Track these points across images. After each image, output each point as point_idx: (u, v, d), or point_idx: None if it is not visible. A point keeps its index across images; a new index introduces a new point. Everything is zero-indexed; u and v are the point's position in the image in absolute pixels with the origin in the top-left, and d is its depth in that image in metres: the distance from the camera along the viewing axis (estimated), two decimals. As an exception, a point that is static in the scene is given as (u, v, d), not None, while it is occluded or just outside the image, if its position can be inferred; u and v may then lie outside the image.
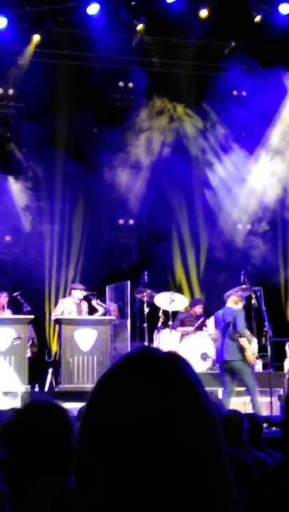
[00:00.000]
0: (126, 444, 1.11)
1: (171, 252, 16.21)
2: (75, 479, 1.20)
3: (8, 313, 12.95)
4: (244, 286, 13.62)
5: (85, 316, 13.03)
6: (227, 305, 11.72)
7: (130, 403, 1.13)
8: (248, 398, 12.34)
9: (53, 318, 13.27)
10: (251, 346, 11.42)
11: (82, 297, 13.11)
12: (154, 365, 1.17)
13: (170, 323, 13.45)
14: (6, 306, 13.06)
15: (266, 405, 12.08)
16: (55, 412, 2.33)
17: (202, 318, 13.94)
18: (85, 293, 13.14)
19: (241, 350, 11.24)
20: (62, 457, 2.24)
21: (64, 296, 14.13)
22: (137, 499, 1.10)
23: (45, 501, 2.18)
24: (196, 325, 13.92)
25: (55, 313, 13.11)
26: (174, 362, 1.19)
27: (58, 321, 12.87)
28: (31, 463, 2.24)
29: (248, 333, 11.47)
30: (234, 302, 11.60)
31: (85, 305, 13.16)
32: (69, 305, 13.06)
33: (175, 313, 13.88)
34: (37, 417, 2.31)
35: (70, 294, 13.37)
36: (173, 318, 13.54)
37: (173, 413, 1.12)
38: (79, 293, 13.09)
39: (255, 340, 12.12)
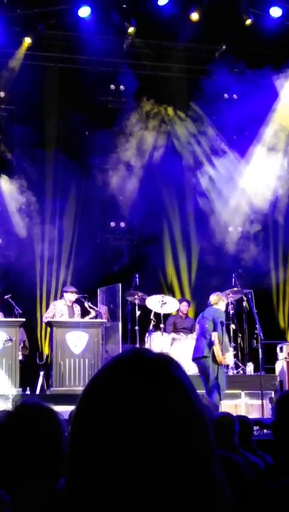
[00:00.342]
0: (116, 446, 1.11)
1: (163, 254, 16.22)
2: (65, 481, 1.19)
3: None
4: (235, 289, 13.66)
5: (77, 318, 13.03)
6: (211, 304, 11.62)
7: (120, 406, 1.12)
8: (239, 400, 12.39)
9: (44, 320, 13.29)
10: (227, 355, 11.22)
11: (74, 300, 13.12)
12: (145, 367, 1.17)
13: (161, 325, 13.46)
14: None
15: (257, 408, 12.11)
16: (46, 414, 2.32)
17: (192, 320, 14.00)
18: (76, 296, 13.15)
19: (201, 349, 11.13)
20: (53, 459, 2.23)
21: (55, 299, 14.12)
22: (126, 501, 1.10)
23: (36, 503, 2.17)
24: (187, 326, 13.97)
25: (47, 316, 13.11)
26: (166, 364, 1.19)
27: (49, 324, 12.87)
28: (22, 465, 2.23)
29: (225, 339, 11.25)
30: (214, 301, 11.44)
31: (77, 308, 13.15)
32: (60, 307, 13.05)
33: (166, 316, 13.90)
34: (27, 419, 2.30)
35: (61, 296, 13.37)
36: (164, 321, 13.55)
37: (163, 416, 1.12)
38: (70, 295, 13.10)
39: (231, 350, 11.94)
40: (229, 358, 11.45)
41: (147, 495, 1.10)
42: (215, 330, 11.08)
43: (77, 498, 1.14)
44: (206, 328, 11.17)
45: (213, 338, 11.02)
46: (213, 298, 11.54)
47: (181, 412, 1.14)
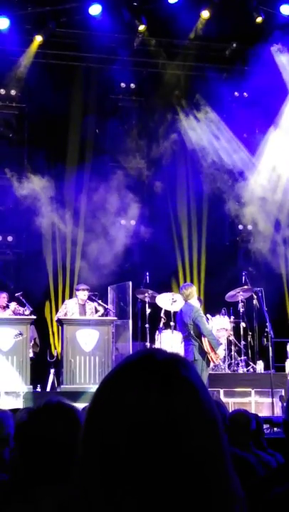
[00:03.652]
0: (127, 448, 1.12)
1: (173, 252, 16.21)
2: (77, 483, 1.20)
3: (12, 305, 12.94)
4: (245, 287, 13.66)
5: (89, 317, 13.01)
6: (185, 300, 11.15)
7: (132, 407, 1.13)
8: (249, 399, 12.37)
9: (56, 319, 13.34)
10: (219, 351, 11.02)
11: (85, 298, 13.10)
12: (156, 368, 1.17)
13: (172, 323, 13.46)
14: (5, 307, 13.09)
15: (268, 406, 12.10)
16: (66, 412, 2.33)
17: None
18: (88, 293, 13.14)
19: (200, 350, 10.83)
20: (72, 459, 2.24)
21: (69, 297, 14.12)
22: (137, 502, 1.10)
23: (53, 501, 2.17)
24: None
25: (58, 315, 13.14)
26: (177, 365, 1.19)
27: (60, 322, 12.89)
28: (40, 464, 2.23)
29: (211, 336, 10.93)
30: (187, 296, 10.94)
31: (90, 306, 13.13)
32: (72, 306, 13.05)
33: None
34: (48, 417, 2.31)
35: (75, 295, 13.36)
36: (174, 319, 13.55)
37: (175, 416, 1.13)
38: (82, 294, 13.09)
39: (222, 345, 11.67)
40: (221, 352, 11.27)
41: (159, 496, 1.10)
42: (202, 333, 10.78)
43: (89, 502, 1.15)
44: (190, 332, 10.86)
45: (205, 346, 10.80)
46: (185, 292, 11.01)
47: (192, 412, 1.15)
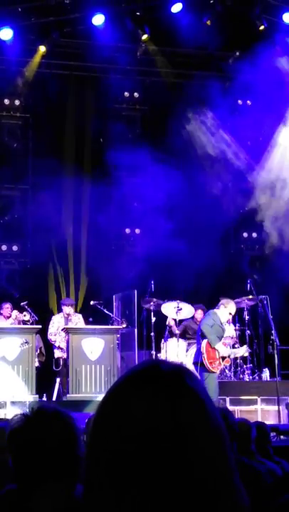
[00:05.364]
0: (132, 458, 1.12)
1: (177, 260, 16.20)
2: (83, 488, 1.21)
3: (14, 313, 13.03)
4: (250, 296, 13.65)
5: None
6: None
7: (137, 418, 1.14)
8: (255, 406, 12.35)
9: (49, 337, 13.31)
10: (222, 350, 11.15)
11: (70, 312, 13.21)
12: (161, 379, 1.18)
13: (177, 332, 13.47)
14: (9, 316, 13.15)
15: (274, 414, 12.07)
16: (62, 418, 2.33)
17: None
18: (72, 309, 13.26)
19: (199, 353, 11.03)
20: (68, 463, 2.24)
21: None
22: (142, 510, 1.11)
23: (51, 506, 2.19)
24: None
25: (51, 332, 13.22)
26: (182, 376, 1.19)
27: (65, 331, 12.92)
28: (37, 468, 2.24)
29: (209, 331, 11.07)
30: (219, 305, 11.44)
31: (77, 317, 13.21)
32: (58, 320, 13.24)
33: (182, 322, 13.91)
34: (44, 423, 2.31)
35: (61, 310, 13.50)
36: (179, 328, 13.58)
37: (180, 427, 1.13)
38: (67, 308, 13.25)
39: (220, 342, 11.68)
40: (222, 349, 11.27)
41: (164, 505, 1.11)
42: (204, 337, 11.08)
43: (96, 506, 1.15)
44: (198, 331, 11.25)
45: (202, 348, 11.06)
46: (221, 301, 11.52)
47: (198, 422, 1.15)
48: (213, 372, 11.04)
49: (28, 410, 2.36)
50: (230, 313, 11.40)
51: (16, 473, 2.29)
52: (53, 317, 13.48)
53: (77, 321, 13.23)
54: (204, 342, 11.10)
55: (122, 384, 1.21)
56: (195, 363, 11.17)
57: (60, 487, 2.22)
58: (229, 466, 1.17)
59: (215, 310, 11.38)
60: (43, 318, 13.53)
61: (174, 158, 15.75)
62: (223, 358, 11.18)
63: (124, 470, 1.12)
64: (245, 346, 11.96)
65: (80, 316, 13.34)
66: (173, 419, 1.13)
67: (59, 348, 13.15)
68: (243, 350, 11.58)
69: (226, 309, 11.29)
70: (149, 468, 1.11)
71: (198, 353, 11.16)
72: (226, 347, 11.34)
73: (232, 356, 11.69)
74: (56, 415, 2.34)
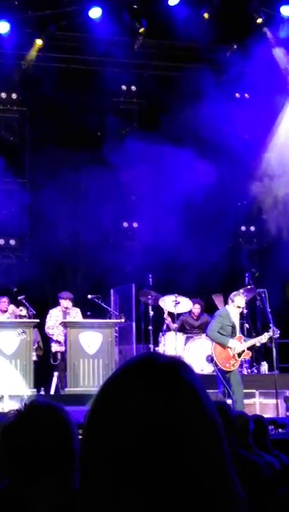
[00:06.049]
0: (128, 451, 1.12)
1: (176, 254, 16.19)
2: (79, 483, 1.21)
3: (10, 308, 13.03)
4: (248, 286, 13.63)
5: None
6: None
7: (133, 411, 1.14)
8: (253, 400, 12.36)
9: (46, 331, 13.27)
10: (237, 347, 11.22)
11: (69, 306, 13.17)
12: (157, 372, 1.18)
13: (175, 325, 13.47)
14: (5, 311, 13.14)
15: (272, 407, 12.08)
16: (56, 413, 2.33)
17: (207, 319, 13.97)
18: (70, 302, 13.20)
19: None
20: (63, 458, 2.24)
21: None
22: (138, 503, 1.11)
23: (47, 501, 2.19)
24: (198, 325, 13.97)
25: (48, 326, 13.18)
26: (177, 368, 1.19)
27: (63, 324, 12.90)
28: (32, 463, 2.23)
29: (216, 336, 11.29)
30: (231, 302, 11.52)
31: (75, 311, 13.19)
32: (56, 314, 13.18)
33: (179, 317, 13.91)
34: (38, 418, 2.31)
35: (59, 303, 13.43)
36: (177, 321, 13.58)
37: (177, 420, 1.13)
38: (65, 302, 13.20)
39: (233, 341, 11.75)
40: (237, 346, 11.31)
41: (160, 498, 1.10)
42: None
43: (93, 500, 1.15)
44: None
45: (211, 352, 11.33)
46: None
47: (194, 414, 1.15)
48: (231, 370, 11.14)
49: (21, 406, 2.35)
50: (238, 307, 11.44)
51: (11, 470, 2.28)
52: (51, 311, 13.43)
53: (75, 314, 13.21)
54: (213, 345, 11.30)
55: (117, 377, 1.21)
56: (215, 365, 11.32)
57: (56, 482, 2.22)
58: (224, 459, 1.17)
59: (225, 307, 11.48)
60: (41, 312, 13.52)
61: (171, 151, 15.69)
62: (240, 354, 11.25)
63: (120, 463, 1.12)
64: (266, 333, 11.95)
65: (78, 309, 13.31)
66: (168, 412, 1.13)
67: (57, 341, 13.13)
68: (267, 336, 11.67)
69: (234, 303, 11.39)
70: (145, 462, 1.11)
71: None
72: (241, 341, 11.34)
73: (258, 344, 11.71)
74: (49, 410, 2.33)
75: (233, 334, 11.34)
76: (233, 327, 11.34)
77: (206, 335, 11.35)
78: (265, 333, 11.80)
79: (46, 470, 2.23)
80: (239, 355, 11.26)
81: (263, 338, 11.70)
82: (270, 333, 11.76)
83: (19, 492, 2.23)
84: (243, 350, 11.30)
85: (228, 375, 11.15)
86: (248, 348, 11.48)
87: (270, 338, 11.73)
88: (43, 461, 2.23)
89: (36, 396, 11.79)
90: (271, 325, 12.22)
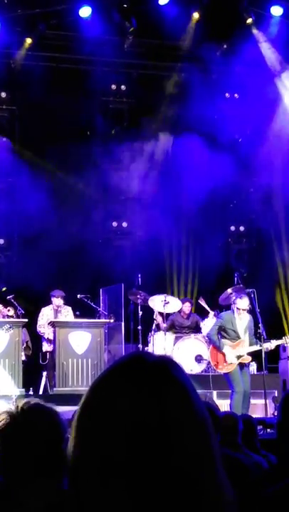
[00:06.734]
0: (117, 449, 1.12)
1: (165, 254, 16.20)
2: (68, 483, 1.20)
3: None
4: (238, 286, 13.63)
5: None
6: None
7: (122, 410, 1.13)
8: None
9: (38, 329, 13.25)
10: (228, 355, 11.26)
11: (60, 304, 13.15)
12: (146, 371, 1.17)
13: (164, 325, 13.46)
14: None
15: (261, 407, 12.10)
16: (47, 415, 2.35)
17: (197, 320, 13.99)
18: (62, 300, 13.17)
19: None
20: (54, 459, 2.26)
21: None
22: (127, 503, 1.10)
23: (39, 502, 2.19)
24: (188, 324, 13.96)
25: (40, 324, 13.16)
26: (166, 367, 1.19)
27: (52, 324, 12.88)
28: (24, 465, 2.25)
29: (213, 340, 11.35)
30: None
31: (66, 310, 13.17)
32: (47, 312, 13.16)
33: (168, 316, 13.90)
34: (29, 420, 2.32)
35: (50, 302, 13.39)
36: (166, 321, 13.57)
37: (166, 420, 1.12)
38: (56, 300, 13.17)
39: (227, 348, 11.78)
40: (228, 354, 11.30)
41: (151, 498, 1.10)
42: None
43: (80, 500, 1.15)
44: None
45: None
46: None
47: (183, 414, 1.15)
48: (228, 371, 11.17)
49: (13, 407, 2.36)
50: (238, 309, 11.44)
51: (5, 471, 2.29)
52: (43, 309, 13.40)
53: (67, 313, 13.19)
54: (210, 348, 11.41)
55: (106, 377, 1.20)
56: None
57: (50, 483, 2.23)
58: (214, 458, 1.16)
59: (229, 311, 11.51)
60: (31, 311, 13.49)
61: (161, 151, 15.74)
62: (240, 356, 11.25)
63: (111, 464, 1.11)
64: (274, 340, 11.96)
65: (69, 308, 13.28)
66: (158, 411, 1.13)
67: (48, 340, 13.10)
68: (275, 343, 11.73)
69: (235, 306, 11.39)
70: (136, 461, 1.11)
71: None
72: (236, 348, 11.31)
73: (265, 350, 11.68)
74: (42, 412, 2.36)
75: (236, 338, 11.32)
76: (236, 331, 11.34)
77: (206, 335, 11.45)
78: (273, 341, 11.79)
79: (40, 471, 2.25)
80: (238, 357, 11.26)
81: (272, 345, 11.72)
82: (283, 340, 11.85)
83: (13, 493, 2.24)
84: (240, 355, 11.27)
85: (230, 375, 11.17)
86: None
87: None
88: (36, 463, 2.25)
89: (25, 396, 11.76)
90: (260, 325, 12.20)
